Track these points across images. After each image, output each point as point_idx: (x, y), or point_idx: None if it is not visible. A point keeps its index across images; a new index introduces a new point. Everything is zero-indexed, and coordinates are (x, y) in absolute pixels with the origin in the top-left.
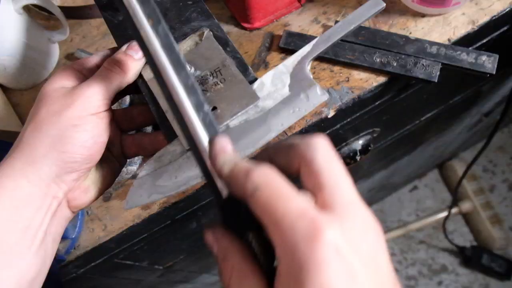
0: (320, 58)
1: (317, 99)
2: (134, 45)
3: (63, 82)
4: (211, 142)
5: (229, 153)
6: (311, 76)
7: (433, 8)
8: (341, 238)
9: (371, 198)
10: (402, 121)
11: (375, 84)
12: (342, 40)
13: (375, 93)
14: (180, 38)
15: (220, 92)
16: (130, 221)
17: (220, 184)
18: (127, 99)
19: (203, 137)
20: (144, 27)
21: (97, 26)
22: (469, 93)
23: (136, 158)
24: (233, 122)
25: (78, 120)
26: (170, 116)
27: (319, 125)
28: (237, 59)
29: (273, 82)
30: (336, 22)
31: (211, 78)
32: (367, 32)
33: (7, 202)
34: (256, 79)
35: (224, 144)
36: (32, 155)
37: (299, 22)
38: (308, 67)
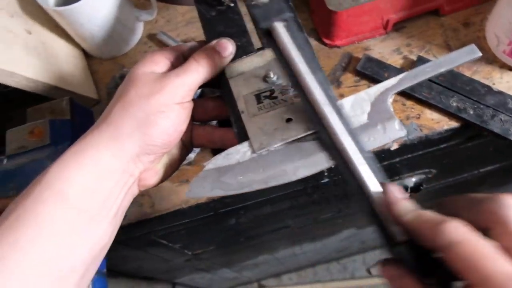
0: None
1: (394, 134)
2: (223, 42)
3: (153, 67)
4: (385, 187)
5: (407, 201)
6: (392, 109)
7: None
8: None
9: None
10: (460, 168)
11: (446, 127)
12: None
13: (444, 137)
14: None
15: (299, 105)
16: (178, 205)
17: (394, 228)
18: (199, 90)
19: (371, 181)
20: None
21: (183, 13)
22: None
23: None
24: (306, 137)
25: (164, 107)
26: (245, 117)
27: (378, 155)
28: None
29: (353, 107)
30: (419, 57)
31: (292, 89)
32: (448, 73)
33: (94, 172)
34: (336, 99)
35: (400, 192)
36: (118, 132)
37: (380, 48)
38: (390, 100)
